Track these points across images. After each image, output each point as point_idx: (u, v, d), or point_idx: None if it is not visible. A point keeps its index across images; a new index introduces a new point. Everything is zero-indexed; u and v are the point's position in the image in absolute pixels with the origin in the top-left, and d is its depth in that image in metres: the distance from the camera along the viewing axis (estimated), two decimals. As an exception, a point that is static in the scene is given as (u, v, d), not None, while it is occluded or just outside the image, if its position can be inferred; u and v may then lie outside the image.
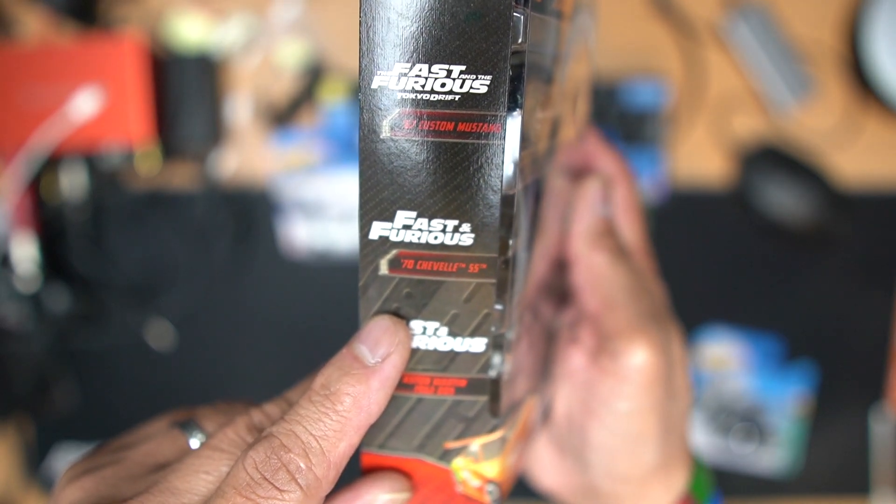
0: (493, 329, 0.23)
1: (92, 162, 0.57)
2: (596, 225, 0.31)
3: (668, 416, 0.30)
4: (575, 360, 0.31)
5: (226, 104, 0.60)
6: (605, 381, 0.29)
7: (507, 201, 0.22)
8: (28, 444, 0.64)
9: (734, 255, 0.62)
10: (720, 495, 0.32)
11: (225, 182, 0.61)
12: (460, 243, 0.22)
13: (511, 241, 0.22)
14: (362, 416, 0.22)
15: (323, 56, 0.60)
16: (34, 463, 0.64)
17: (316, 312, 0.63)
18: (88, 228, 0.60)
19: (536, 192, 0.26)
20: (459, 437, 0.25)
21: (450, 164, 0.21)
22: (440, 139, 0.21)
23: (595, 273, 0.30)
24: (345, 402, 0.22)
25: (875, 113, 0.61)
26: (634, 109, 0.58)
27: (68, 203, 0.59)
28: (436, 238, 0.22)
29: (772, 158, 0.59)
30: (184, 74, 0.58)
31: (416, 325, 0.23)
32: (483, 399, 0.24)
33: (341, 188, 0.59)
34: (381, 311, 0.23)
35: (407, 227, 0.22)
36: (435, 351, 0.24)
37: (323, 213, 0.59)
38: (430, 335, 0.23)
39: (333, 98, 0.59)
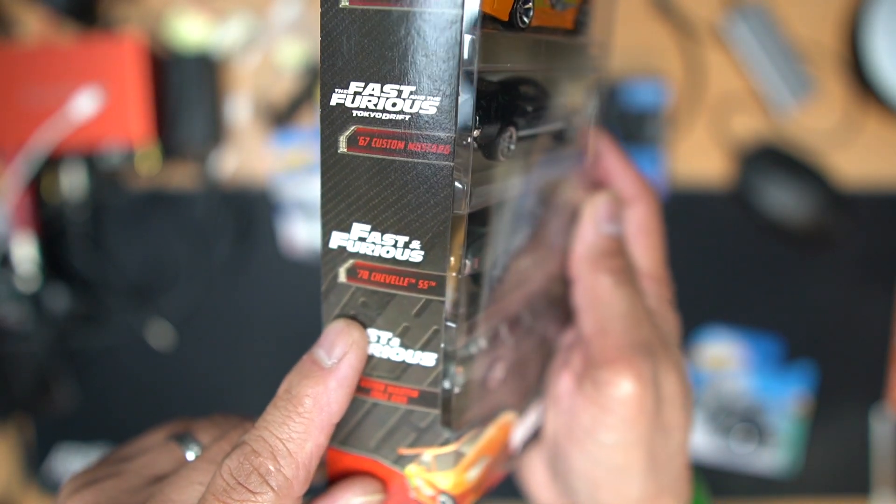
0: (443, 346, 0.23)
1: (92, 162, 0.57)
2: (600, 244, 0.29)
3: (655, 450, 0.28)
4: (563, 384, 0.30)
5: (226, 104, 0.60)
6: (588, 410, 0.28)
7: (458, 221, 0.22)
8: (28, 444, 0.64)
9: (734, 255, 0.62)
10: None
11: (225, 182, 0.61)
12: (410, 259, 0.23)
13: (468, 260, 0.22)
14: (324, 416, 0.23)
15: (323, 56, 0.60)
16: (34, 463, 0.64)
17: (315, 312, 0.63)
18: (88, 228, 0.60)
19: (536, 203, 0.26)
20: (412, 445, 0.25)
21: (400, 181, 0.22)
22: (391, 157, 0.22)
23: (594, 295, 0.29)
24: (305, 404, 0.23)
25: (875, 113, 0.61)
26: (634, 109, 0.58)
27: (68, 203, 0.59)
28: (388, 252, 0.23)
29: (772, 158, 0.59)
30: (184, 74, 0.58)
31: (372, 333, 0.24)
32: (434, 412, 0.24)
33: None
34: (339, 317, 0.24)
35: (362, 239, 0.23)
36: (388, 360, 0.24)
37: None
38: (384, 344, 0.24)
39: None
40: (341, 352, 0.23)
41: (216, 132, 0.59)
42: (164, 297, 0.62)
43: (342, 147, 0.22)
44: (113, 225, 0.61)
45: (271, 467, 0.22)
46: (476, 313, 0.24)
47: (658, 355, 0.28)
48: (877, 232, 0.62)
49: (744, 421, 0.63)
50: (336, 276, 0.24)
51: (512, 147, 0.23)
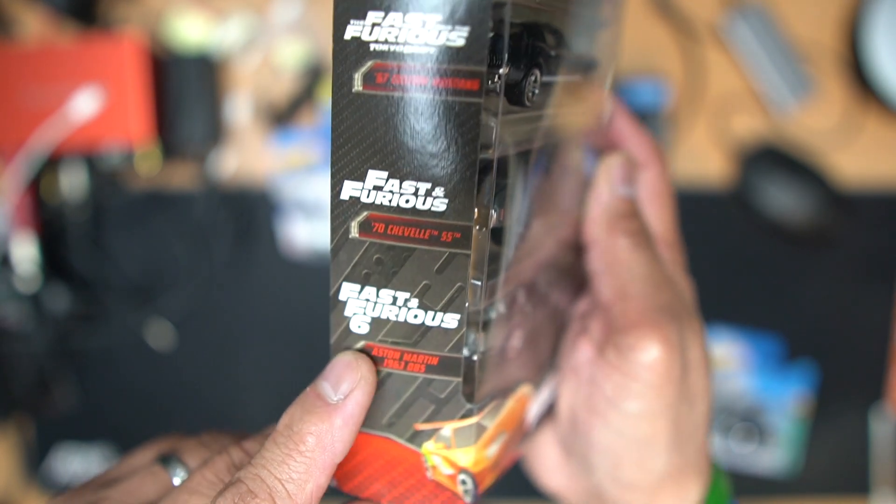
0: (467, 305, 0.21)
1: (92, 162, 0.57)
2: (616, 206, 0.28)
3: (681, 421, 0.27)
4: (582, 353, 0.28)
5: (226, 104, 0.60)
6: (611, 378, 0.26)
7: (486, 166, 0.20)
8: (28, 444, 0.64)
9: (734, 255, 0.62)
10: None
11: (225, 182, 0.61)
12: (433, 208, 0.20)
13: (493, 211, 0.21)
14: (327, 456, 0.21)
15: (323, 56, 0.60)
16: (34, 463, 0.64)
17: (316, 312, 0.63)
18: (88, 228, 0.60)
19: (547, 164, 0.24)
20: (430, 418, 0.23)
21: (423, 121, 0.20)
22: (413, 94, 0.20)
23: (612, 258, 0.27)
24: (308, 442, 0.21)
25: (875, 113, 0.61)
26: (634, 109, 0.58)
27: (68, 203, 0.59)
28: (407, 201, 0.21)
29: (772, 158, 0.59)
30: (184, 74, 0.58)
31: (386, 294, 0.22)
32: (456, 380, 0.22)
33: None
34: (350, 277, 0.22)
35: (378, 188, 0.21)
36: (405, 323, 0.22)
37: (323, 213, 0.59)
38: (401, 306, 0.22)
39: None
40: (348, 388, 0.22)
41: (216, 132, 0.59)
42: (164, 297, 0.62)
43: (357, 85, 0.20)
44: (113, 225, 0.61)
45: None
46: (497, 274, 0.22)
47: (682, 319, 0.27)
48: (877, 232, 0.62)
49: (744, 421, 0.63)
50: (347, 230, 0.22)
51: (536, 91, 0.22)
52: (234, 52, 0.60)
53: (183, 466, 0.25)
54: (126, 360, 0.63)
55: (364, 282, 0.22)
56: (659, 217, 0.29)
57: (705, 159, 0.61)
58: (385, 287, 0.22)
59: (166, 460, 0.25)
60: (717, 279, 0.62)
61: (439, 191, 0.20)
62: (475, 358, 0.22)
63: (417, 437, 0.23)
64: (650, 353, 0.26)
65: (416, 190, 0.20)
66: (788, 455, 0.63)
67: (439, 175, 0.20)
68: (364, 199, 0.21)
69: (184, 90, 0.58)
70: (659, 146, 0.30)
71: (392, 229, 0.21)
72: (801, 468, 0.65)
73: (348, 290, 0.22)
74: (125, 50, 0.54)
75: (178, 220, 0.61)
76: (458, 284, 0.21)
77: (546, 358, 0.29)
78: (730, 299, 0.63)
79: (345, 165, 0.21)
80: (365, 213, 0.21)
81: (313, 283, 0.62)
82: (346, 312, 0.23)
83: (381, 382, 0.23)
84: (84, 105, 0.55)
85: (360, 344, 0.23)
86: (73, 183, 0.58)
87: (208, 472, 0.23)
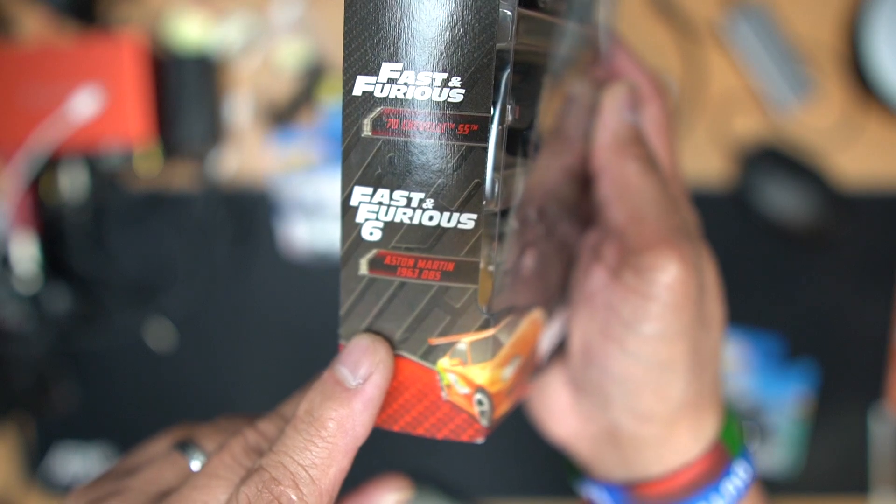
0: (484, 203, 0.21)
1: (92, 162, 0.57)
2: (623, 132, 0.28)
3: (698, 346, 0.26)
4: (596, 280, 0.28)
5: (226, 104, 0.60)
6: (628, 300, 0.26)
7: (502, 55, 0.20)
8: (28, 444, 0.64)
9: (734, 255, 0.62)
10: (752, 454, 0.30)
11: (225, 182, 0.61)
12: (449, 99, 0.20)
13: (509, 105, 0.20)
14: (348, 440, 0.22)
15: (323, 56, 0.60)
16: (34, 463, 0.64)
17: (316, 312, 0.63)
18: (88, 228, 0.60)
19: (554, 85, 0.24)
20: (445, 331, 0.22)
21: (440, 9, 0.19)
22: None
23: (623, 183, 0.27)
24: (329, 427, 0.21)
25: (875, 113, 0.61)
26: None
27: (68, 203, 0.59)
28: (423, 94, 0.20)
29: (772, 159, 0.59)
30: (183, 74, 0.58)
31: (400, 195, 0.21)
32: (472, 287, 0.22)
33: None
34: (362, 179, 0.21)
35: (392, 80, 0.20)
36: (420, 226, 0.21)
37: (323, 213, 0.59)
38: (415, 208, 0.21)
39: (333, 98, 0.59)
40: (367, 371, 0.22)
41: (216, 132, 0.59)
42: (164, 297, 0.62)
43: None
44: (113, 225, 0.61)
45: (293, 496, 0.21)
46: (513, 178, 0.22)
47: (696, 240, 0.27)
48: (877, 232, 0.62)
49: (744, 420, 0.63)
50: (360, 129, 0.21)
51: None
52: (234, 52, 0.60)
53: (200, 451, 0.25)
54: (126, 360, 0.63)
55: (377, 184, 0.21)
56: (662, 150, 0.29)
57: (705, 159, 0.61)
58: (399, 188, 0.21)
59: (183, 446, 0.25)
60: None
61: (455, 80, 0.20)
62: (491, 268, 0.22)
63: (432, 353, 0.23)
64: (669, 272, 0.25)
65: (432, 81, 0.20)
66: (789, 455, 0.63)
67: (456, 63, 0.20)
68: (378, 94, 0.20)
69: (184, 90, 0.58)
70: (659, 81, 0.30)
71: (407, 125, 0.20)
72: (802, 468, 0.65)
73: (360, 194, 0.22)
74: (125, 50, 0.54)
75: (177, 221, 0.61)
76: (475, 181, 0.21)
77: (555, 291, 0.28)
78: (730, 299, 0.63)
79: (358, 59, 0.20)
80: (378, 109, 0.21)
81: (313, 284, 0.62)
82: (358, 218, 0.22)
83: (393, 294, 0.22)
84: (84, 105, 0.55)
85: (373, 252, 0.22)
86: (73, 183, 0.58)
87: (226, 455, 0.23)
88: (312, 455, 0.21)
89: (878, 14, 0.57)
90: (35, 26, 0.59)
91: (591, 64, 0.28)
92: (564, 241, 0.28)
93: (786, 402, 0.63)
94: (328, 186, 0.59)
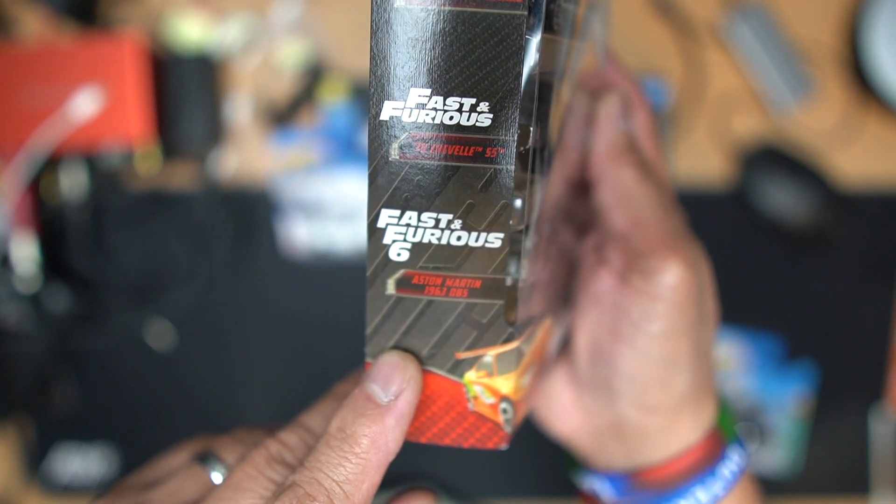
0: (511, 223, 0.21)
1: (92, 162, 0.57)
2: (619, 140, 0.29)
3: (699, 340, 0.28)
4: (603, 282, 0.29)
5: (226, 104, 0.60)
6: (636, 302, 0.27)
7: (530, 82, 0.20)
8: (28, 444, 0.64)
9: (734, 255, 0.62)
10: (744, 441, 0.31)
11: (225, 182, 0.61)
12: (478, 123, 0.21)
13: (532, 129, 0.21)
14: (381, 455, 0.22)
15: (323, 56, 0.60)
16: (34, 463, 0.64)
17: (316, 312, 0.63)
18: (88, 228, 0.60)
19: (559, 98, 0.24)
20: (472, 346, 0.23)
21: (468, 35, 0.20)
22: (459, 7, 0.20)
23: (622, 189, 0.28)
24: (362, 444, 0.22)
25: (875, 113, 0.61)
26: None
27: (68, 203, 0.59)
28: (451, 118, 0.21)
29: (772, 158, 0.59)
30: (184, 74, 0.58)
31: (428, 218, 0.22)
32: (499, 303, 0.22)
33: (341, 188, 0.59)
34: (389, 202, 0.22)
35: (421, 105, 0.21)
36: (448, 246, 0.22)
37: (323, 213, 0.59)
38: (444, 228, 0.22)
39: (333, 98, 0.59)
40: (398, 388, 0.22)
41: (216, 132, 0.59)
42: (164, 297, 0.62)
43: (399, 0, 0.20)
44: (113, 225, 0.61)
45: None
46: (535, 195, 0.22)
47: (691, 241, 0.29)
48: (877, 232, 0.62)
49: (744, 421, 0.63)
50: (387, 153, 0.21)
51: (558, 19, 0.22)
52: (234, 52, 0.60)
53: (221, 463, 0.25)
54: (126, 360, 0.63)
55: (405, 206, 0.22)
56: (651, 153, 0.31)
57: (705, 159, 0.61)
58: (426, 211, 0.22)
59: (204, 458, 0.25)
60: (717, 279, 0.62)
61: (484, 105, 0.20)
62: (513, 282, 0.22)
63: (459, 367, 0.23)
64: (673, 274, 0.27)
65: (461, 105, 0.21)
66: (788, 455, 0.63)
67: (485, 89, 0.20)
68: (406, 119, 0.21)
69: (184, 90, 0.58)
70: (643, 89, 0.32)
71: (435, 148, 0.21)
72: (802, 468, 0.65)
73: (387, 216, 0.22)
74: (125, 50, 0.54)
75: (177, 220, 0.61)
76: (502, 202, 0.21)
77: (558, 294, 0.29)
78: (730, 299, 0.63)
79: (385, 85, 0.21)
80: (406, 134, 0.21)
81: (313, 284, 0.62)
82: (385, 240, 0.22)
83: (421, 312, 0.23)
84: (84, 105, 0.55)
85: (400, 272, 0.23)
86: (73, 183, 0.58)
87: (248, 466, 0.23)
88: (346, 471, 0.21)
89: (878, 14, 0.57)
90: (35, 26, 0.59)
91: (587, 76, 0.29)
92: (563, 246, 0.29)
93: (785, 403, 0.62)
94: (328, 186, 0.59)
